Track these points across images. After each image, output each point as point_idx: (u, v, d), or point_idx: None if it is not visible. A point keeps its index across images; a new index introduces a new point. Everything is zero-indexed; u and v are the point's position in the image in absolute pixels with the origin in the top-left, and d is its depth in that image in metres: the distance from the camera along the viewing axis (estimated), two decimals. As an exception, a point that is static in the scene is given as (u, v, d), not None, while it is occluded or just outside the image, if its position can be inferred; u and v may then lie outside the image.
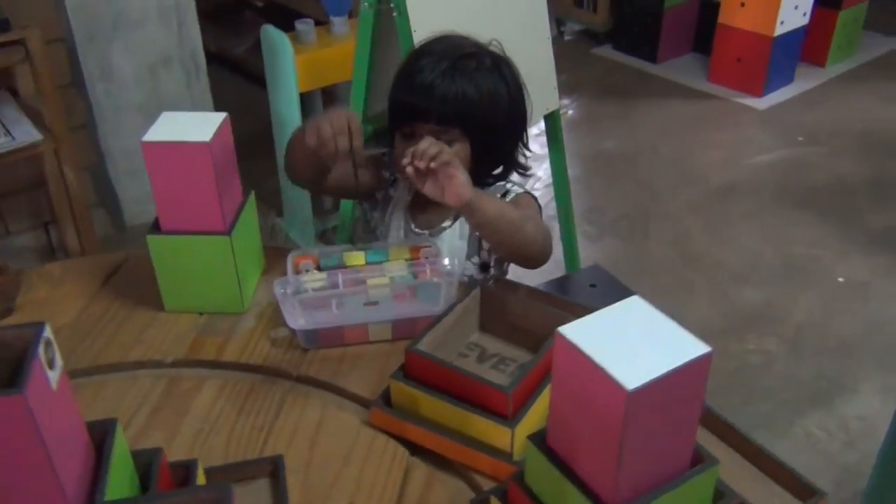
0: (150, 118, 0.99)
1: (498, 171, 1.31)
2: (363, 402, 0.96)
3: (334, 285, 1.02)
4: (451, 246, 1.29)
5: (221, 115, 1.01)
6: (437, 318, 0.93)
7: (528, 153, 1.35)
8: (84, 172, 2.40)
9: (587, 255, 2.45)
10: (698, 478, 0.66)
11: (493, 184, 1.30)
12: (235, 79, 3.60)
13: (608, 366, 0.58)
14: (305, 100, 2.43)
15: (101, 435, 0.73)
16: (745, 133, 3.36)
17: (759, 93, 3.54)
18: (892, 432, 1.29)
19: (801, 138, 3.28)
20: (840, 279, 2.47)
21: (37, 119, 2.14)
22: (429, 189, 1.05)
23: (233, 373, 1.01)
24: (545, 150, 3.21)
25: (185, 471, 0.79)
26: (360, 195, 1.38)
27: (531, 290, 1.01)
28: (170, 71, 2.56)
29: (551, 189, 2.92)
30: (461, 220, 1.28)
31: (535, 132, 3.34)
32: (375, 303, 1.03)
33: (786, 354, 2.19)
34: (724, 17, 3.52)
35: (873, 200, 2.88)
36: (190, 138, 0.96)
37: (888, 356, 2.18)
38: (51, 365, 0.65)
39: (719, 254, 2.61)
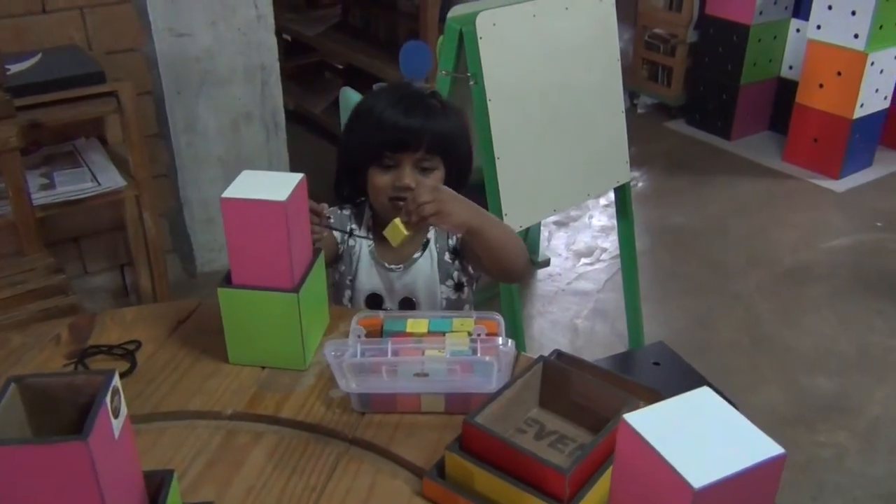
0: (230, 170, 1.03)
1: None
2: (416, 471, 0.94)
3: (384, 353, 1.01)
4: (425, 275, 1.35)
5: (298, 176, 1.04)
6: (498, 392, 0.92)
7: None
8: (162, 219, 2.48)
9: (651, 330, 2.40)
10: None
11: None
12: (312, 136, 3.72)
13: (675, 460, 0.56)
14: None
15: (157, 485, 0.74)
16: (821, 215, 3.28)
17: (836, 175, 3.46)
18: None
19: (879, 224, 3.18)
20: (919, 373, 2.35)
21: (122, 166, 2.24)
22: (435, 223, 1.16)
23: (289, 430, 1.01)
24: (612, 222, 3.20)
25: (235, 528, 0.79)
26: (332, 261, 1.42)
27: (595, 368, 0.99)
28: (250, 126, 2.66)
29: (617, 261, 2.90)
30: (430, 247, 1.37)
31: (604, 203, 3.33)
32: (426, 374, 1.01)
33: (858, 449, 2.08)
34: (801, 97, 3.48)
35: (956, 292, 2.75)
36: (267, 197, 0.99)
37: (972, 460, 2.05)
38: (116, 413, 0.67)
39: (790, 339, 2.52)
